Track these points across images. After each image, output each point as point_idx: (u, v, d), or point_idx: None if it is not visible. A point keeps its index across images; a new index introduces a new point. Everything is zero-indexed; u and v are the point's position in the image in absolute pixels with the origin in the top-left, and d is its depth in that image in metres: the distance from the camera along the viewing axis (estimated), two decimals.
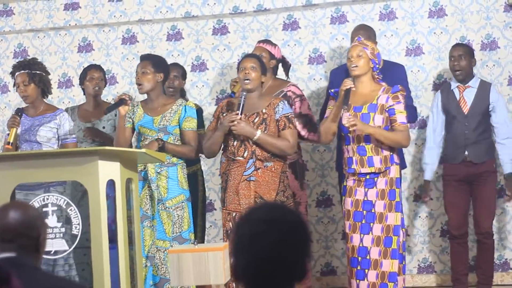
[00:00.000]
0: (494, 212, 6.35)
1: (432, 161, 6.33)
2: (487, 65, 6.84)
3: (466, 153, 6.21)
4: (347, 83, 5.36)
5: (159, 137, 5.58)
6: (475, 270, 6.42)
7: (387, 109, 5.39)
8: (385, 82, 5.55)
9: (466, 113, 6.23)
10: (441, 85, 6.76)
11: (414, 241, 6.91)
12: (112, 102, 6.81)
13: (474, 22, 6.87)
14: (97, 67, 6.57)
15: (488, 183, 6.24)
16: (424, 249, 6.92)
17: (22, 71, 5.78)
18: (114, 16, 7.36)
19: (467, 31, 6.87)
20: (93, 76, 6.44)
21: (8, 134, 5.70)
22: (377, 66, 5.47)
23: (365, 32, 6.26)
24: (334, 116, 5.43)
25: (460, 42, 6.71)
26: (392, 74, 6.21)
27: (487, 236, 6.27)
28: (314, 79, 7.11)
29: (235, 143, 5.47)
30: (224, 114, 5.58)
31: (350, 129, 5.29)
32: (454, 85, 6.32)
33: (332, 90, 5.65)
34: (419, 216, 6.92)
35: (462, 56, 6.27)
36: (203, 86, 7.27)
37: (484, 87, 6.28)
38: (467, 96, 6.26)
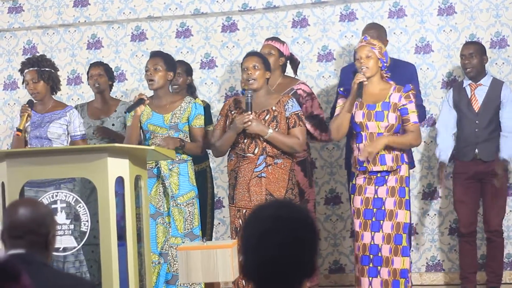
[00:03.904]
0: (504, 210, 6.32)
1: (446, 145, 6.25)
2: (496, 63, 6.82)
3: (477, 151, 6.19)
4: (359, 77, 5.36)
5: (170, 134, 5.60)
6: (484, 269, 6.41)
7: (399, 108, 5.39)
8: (395, 80, 5.55)
9: (477, 111, 6.21)
10: (450, 83, 6.76)
11: (423, 239, 6.90)
12: (121, 99, 6.86)
13: (483, 20, 6.85)
14: (96, 64, 6.62)
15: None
16: (433, 247, 6.90)
17: (31, 69, 5.79)
18: (123, 13, 7.36)
19: (476, 29, 6.85)
20: (92, 73, 6.51)
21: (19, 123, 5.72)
22: (385, 64, 5.47)
23: (376, 31, 6.26)
24: (347, 111, 5.42)
25: (470, 40, 6.69)
26: (402, 73, 6.21)
27: (496, 234, 6.25)
28: (323, 76, 7.10)
29: (246, 140, 5.47)
30: (233, 112, 5.58)
31: (370, 159, 5.32)
32: (466, 83, 6.30)
33: (342, 89, 5.65)
34: (428, 214, 6.91)
35: (473, 54, 6.24)
36: (212, 83, 7.28)
37: (496, 85, 6.26)
38: (478, 94, 6.25)
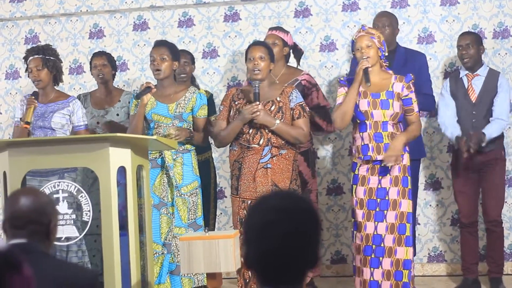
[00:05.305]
0: (503, 200, 6.31)
1: (452, 123, 6.13)
2: (499, 54, 6.80)
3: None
4: (364, 63, 5.34)
5: (174, 124, 5.59)
6: (485, 259, 6.41)
7: (403, 98, 5.39)
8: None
9: (474, 101, 6.19)
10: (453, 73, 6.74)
11: (425, 230, 6.90)
12: (124, 89, 6.85)
13: (486, 10, 6.83)
14: (99, 54, 6.60)
15: (496, 171, 6.20)
16: (435, 238, 6.90)
17: (36, 56, 5.81)
18: (125, 2, 7.34)
19: (479, 19, 6.84)
20: (96, 64, 6.49)
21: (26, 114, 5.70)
22: (384, 53, 5.47)
23: (387, 18, 6.30)
24: (352, 98, 5.40)
25: (471, 30, 6.68)
26: (413, 63, 6.21)
27: (496, 224, 6.25)
28: (325, 66, 7.09)
29: (251, 130, 5.45)
30: (236, 103, 5.56)
31: (398, 162, 5.33)
32: (462, 73, 6.29)
33: (342, 78, 5.64)
34: (430, 205, 6.90)
35: (470, 45, 6.22)
36: (214, 73, 7.26)
37: (493, 76, 6.24)
38: (475, 84, 6.23)
